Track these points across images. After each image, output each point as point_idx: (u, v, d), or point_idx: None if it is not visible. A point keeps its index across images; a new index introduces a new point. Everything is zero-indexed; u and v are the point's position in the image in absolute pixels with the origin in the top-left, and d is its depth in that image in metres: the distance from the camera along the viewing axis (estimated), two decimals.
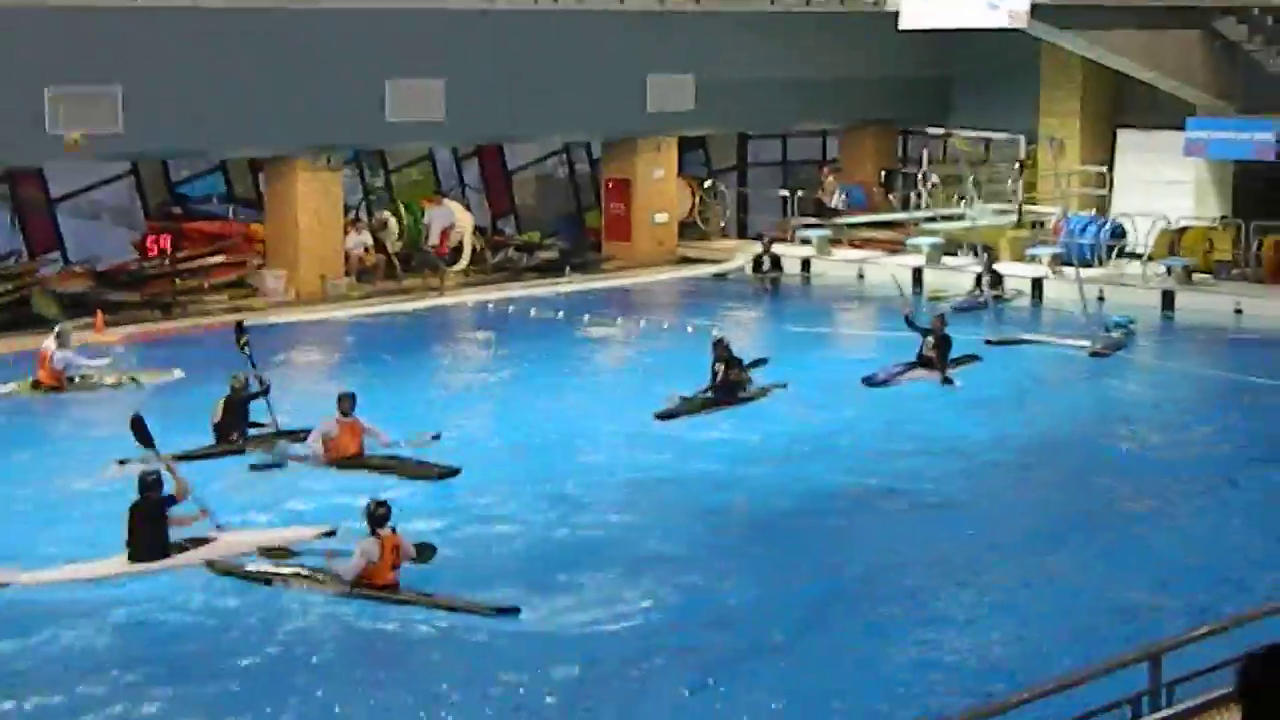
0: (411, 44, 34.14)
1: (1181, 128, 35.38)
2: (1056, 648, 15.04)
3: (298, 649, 15.27)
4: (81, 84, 30.43)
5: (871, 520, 19.90)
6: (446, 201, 37.46)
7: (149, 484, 17.47)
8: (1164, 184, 36.55)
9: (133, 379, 26.26)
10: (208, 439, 22.03)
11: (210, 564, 17.22)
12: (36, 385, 25.65)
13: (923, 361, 26.65)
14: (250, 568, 17.10)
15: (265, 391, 22.53)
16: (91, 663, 14.86)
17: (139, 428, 18.62)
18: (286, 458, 21.44)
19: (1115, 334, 29.50)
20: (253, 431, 22.43)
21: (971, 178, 39.53)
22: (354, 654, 15.35)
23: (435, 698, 14.09)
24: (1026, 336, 30.11)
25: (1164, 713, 10.61)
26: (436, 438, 21.98)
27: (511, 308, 33.65)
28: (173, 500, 17.61)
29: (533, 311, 32.96)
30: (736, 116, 40.15)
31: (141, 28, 31.07)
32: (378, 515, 16.49)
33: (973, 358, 27.43)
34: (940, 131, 41.58)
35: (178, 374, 26.68)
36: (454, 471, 20.91)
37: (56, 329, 26.22)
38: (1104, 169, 38.34)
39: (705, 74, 38.09)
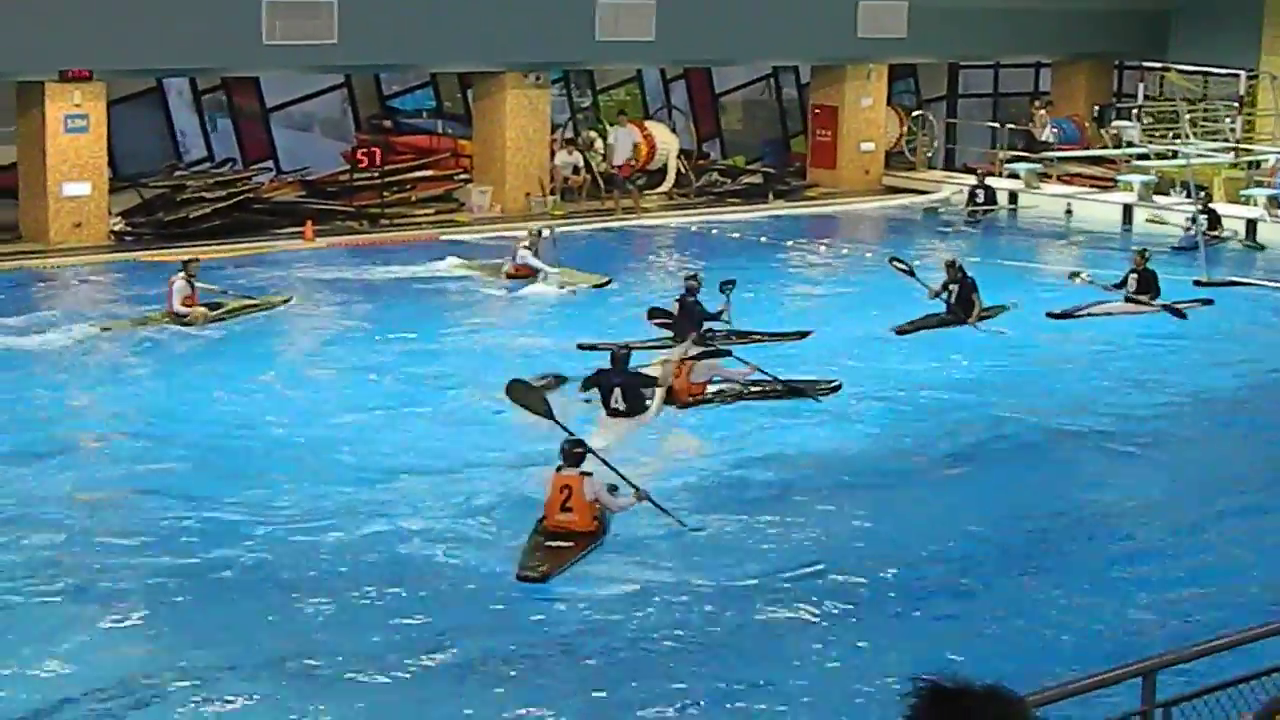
0: None
1: None
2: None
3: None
4: None
5: (1053, 455, 19.87)
6: (634, 124, 37.32)
7: (621, 358, 19.67)
8: None
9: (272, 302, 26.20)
10: None
11: None
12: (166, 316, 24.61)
13: (1129, 297, 26.47)
14: None
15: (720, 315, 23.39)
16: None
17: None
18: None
19: None
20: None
21: (1188, 115, 38.77)
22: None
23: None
24: (1240, 279, 29.58)
25: None
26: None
27: (714, 230, 33.73)
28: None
29: (734, 235, 33.02)
30: (948, 45, 39.75)
31: None
32: (568, 453, 15.81)
33: (1204, 300, 27.06)
34: (1157, 66, 40.79)
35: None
36: (836, 386, 21.15)
37: (186, 261, 25.35)
38: None
39: (918, 1, 37.75)
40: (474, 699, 12.69)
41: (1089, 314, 26.14)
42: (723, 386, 21.14)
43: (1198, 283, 28.63)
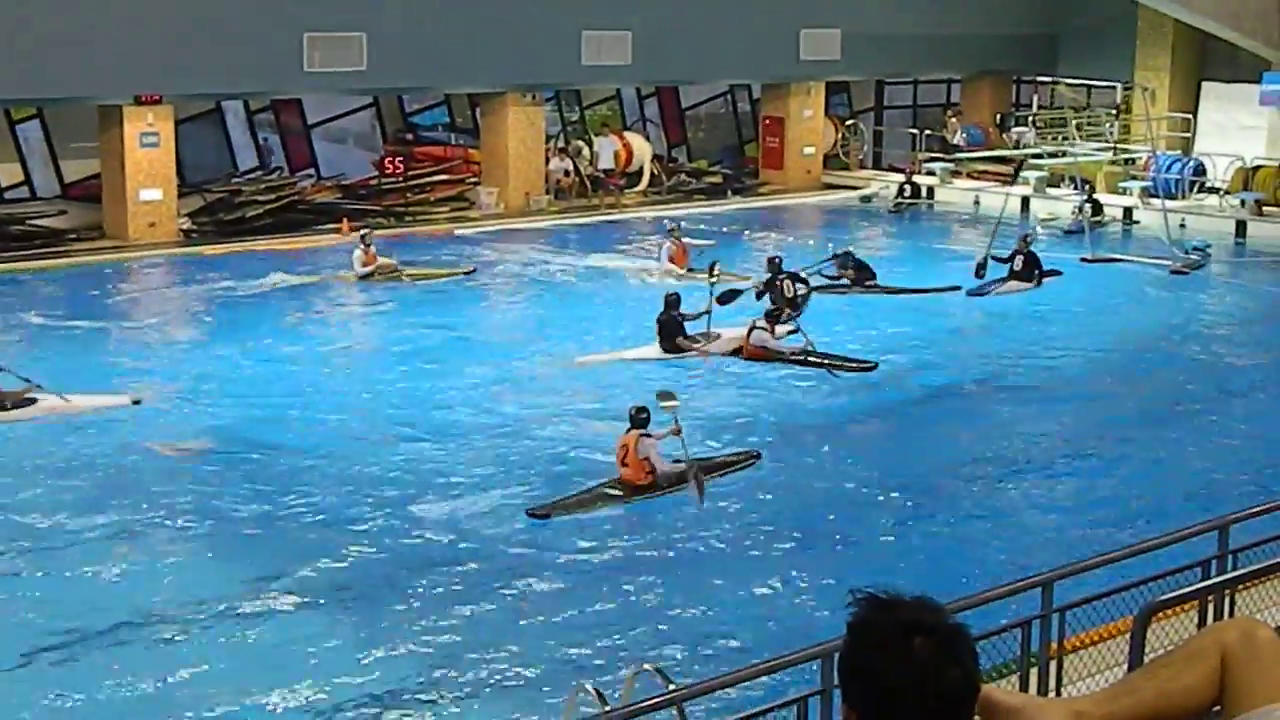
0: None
1: (1258, 81, 34.50)
2: (1130, 517, 14.94)
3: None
4: (334, 30, 30.76)
5: (976, 406, 19.90)
6: (614, 134, 37.26)
7: (671, 302, 21.10)
8: (1240, 129, 35.68)
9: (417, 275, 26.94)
10: None
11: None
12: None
13: (1013, 275, 26.41)
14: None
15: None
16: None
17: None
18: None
19: (1194, 256, 28.97)
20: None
21: (1074, 121, 38.76)
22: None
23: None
24: (1119, 256, 29.66)
25: (1230, 574, 10.41)
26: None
27: (684, 223, 33.66)
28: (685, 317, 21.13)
29: (701, 225, 33.03)
30: (876, 65, 39.65)
31: None
32: (633, 417, 15.65)
33: (1055, 272, 27.04)
34: (1048, 80, 40.75)
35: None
36: (872, 366, 20.88)
37: (361, 233, 27.26)
38: (1189, 115, 37.50)
39: (850, 28, 37.67)
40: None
41: (996, 292, 26.15)
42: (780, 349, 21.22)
43: (1084, 259, 28.72)
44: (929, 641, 2.83)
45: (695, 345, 21.26)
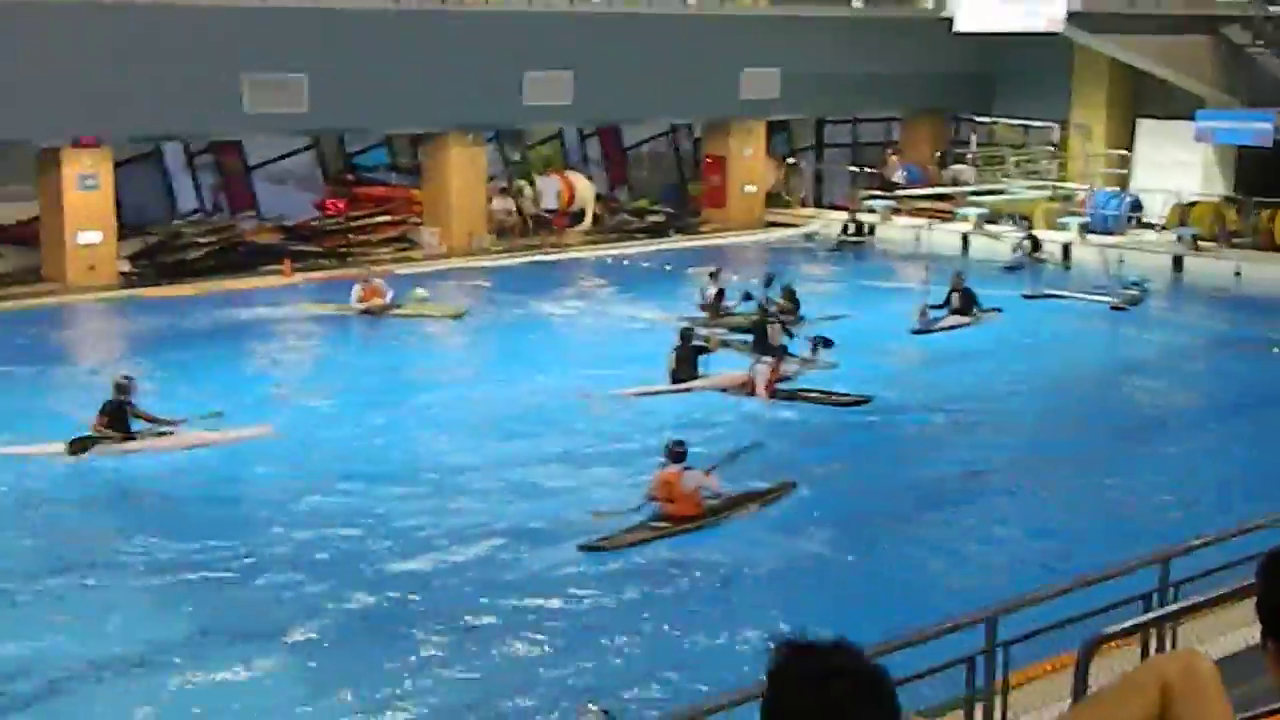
0: (546, 41, 34.15)
1: (1192, 118, 34.88)
2: (1071, 543, 15.02)
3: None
4: (274, 71, 30.65)
5: (921, 441, 19.99)
6: (556, 174, 37.27)
7: (685, 334, 21.91)
8: (1176, 165, 36.07)
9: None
10: None
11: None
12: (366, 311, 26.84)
13: (954, 312, 26.50)
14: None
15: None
16: None
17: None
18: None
19: (1132, 291, 29.20)
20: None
21: (1013, 158, 39.15)
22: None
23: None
24: (1058, 292, 29.84)
25: (1171, 607, 10.42)
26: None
27: (626, 261, 33.75)
28: (705, 349, 21.78)
29: (644, 264, 33.07)
30: (815, 104, 39.94)
31: (325, 24, 31.23)
32: (671, 451, 15.79)
33: (995, 310, 27.14)
34: (986, 119, 41.13)
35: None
36: (866, 400, 21.02)
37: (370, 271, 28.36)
38: (1125, 152, 37.90)
39: (790, 68, 37.89)
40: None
41: (939, 328, 26.22)
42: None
43: (1025, 295, 28.92)
44: (847, 685, 2.81)
45: (702, 378, 21.60)
